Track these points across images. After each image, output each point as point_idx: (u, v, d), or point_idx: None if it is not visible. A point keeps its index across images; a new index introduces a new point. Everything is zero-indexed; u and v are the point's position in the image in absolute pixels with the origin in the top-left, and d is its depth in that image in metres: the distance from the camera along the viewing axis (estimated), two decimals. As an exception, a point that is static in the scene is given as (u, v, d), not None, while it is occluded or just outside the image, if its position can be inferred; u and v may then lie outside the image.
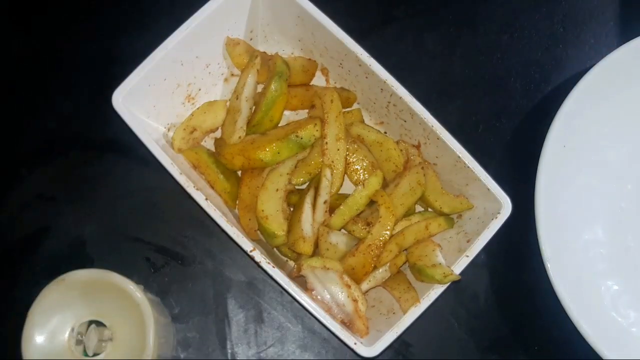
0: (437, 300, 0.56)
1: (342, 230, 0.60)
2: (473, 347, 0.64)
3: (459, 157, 0.58)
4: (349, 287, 0.55)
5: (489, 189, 0.57)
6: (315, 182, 0.60)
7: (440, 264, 0.57)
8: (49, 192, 0.65)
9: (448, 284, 0.56)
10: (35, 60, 0.68)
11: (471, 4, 0.72)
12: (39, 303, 0.53)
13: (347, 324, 0.55)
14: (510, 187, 0.58)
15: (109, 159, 0.66)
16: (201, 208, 0.55)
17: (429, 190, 0.61)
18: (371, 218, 0.59)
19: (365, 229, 0.58)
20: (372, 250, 0.57)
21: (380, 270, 0.58)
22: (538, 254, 0.60)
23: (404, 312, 0.56)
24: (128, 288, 0.54)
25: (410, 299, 0.56)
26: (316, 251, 0.59)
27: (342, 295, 0.55)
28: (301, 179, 0.60)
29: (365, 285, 0.58)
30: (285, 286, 0.54)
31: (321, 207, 0.58)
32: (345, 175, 0.62)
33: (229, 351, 0.62)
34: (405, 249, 0.60)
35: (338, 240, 0.59)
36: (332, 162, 0.60)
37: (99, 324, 0.56)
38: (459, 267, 0.56)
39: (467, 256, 0.56)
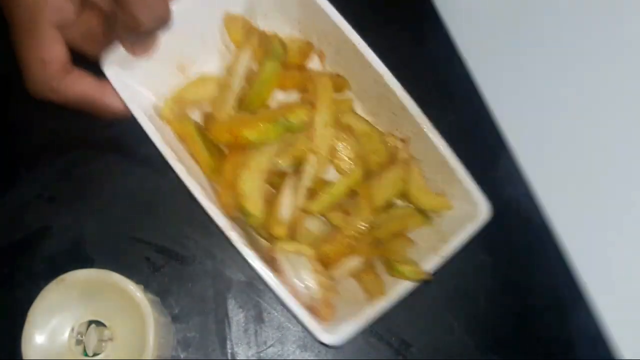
0: (435, 299, 0.56)
1: (320, 218, 0.60)
2: (473, 347, 0.64)
3: (443, 156, 0.57)
4: (320, 273, 0.55)
5: (469, 192, 0.57)
6: (299, 167, 0.59)
7: (412, 261, 0.57)
8: (49, 192, 0.65)
9: (418, 281, 0.56)
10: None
11: (471, 4, 0.72)
12: (39, 303, 0.53)
13: (313, 310, 0.55)
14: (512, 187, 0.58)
15: (109, 159, 0.66)
16: (182, 181, 0.54)
17: (411, 186, 0.60)
18: (350, 208, 0.59)
19: (343, 218, 0.58)
20: (347, 240, 0.57)
21: (353, 260, 0.58)
22: (538, 254, 0.60)
23: (371, 304, 0.56)
24: (128, 288, 0.54)
25: (378, 292, 0.56)
26: (292, 235, 0.58)
27: (311, 281, 0.55)
28: (286, 163, 0.60)
29: (336, 274, 0.58)
30: (253, 264, 0.53)
31: (301, 192, 0.58)
32: (331, 163, 0.61)
33: (229, 351, 0.62)
34: (381, 243, 0.60)
35: (315, 226, 0.58)
36: (318, 148, 0.59)
37: (99, 324, 0.56)
38: (431, 266, 0.56)
39: (441, 256, 0.56)
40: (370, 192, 0.58)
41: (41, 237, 0.63)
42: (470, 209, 0.58)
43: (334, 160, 0.62)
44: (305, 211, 0.58)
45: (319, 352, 0.63)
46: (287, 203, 0.58)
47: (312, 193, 0.59)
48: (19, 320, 0.53)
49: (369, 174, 0.61)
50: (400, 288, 0.56)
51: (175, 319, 0.62)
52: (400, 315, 0.63)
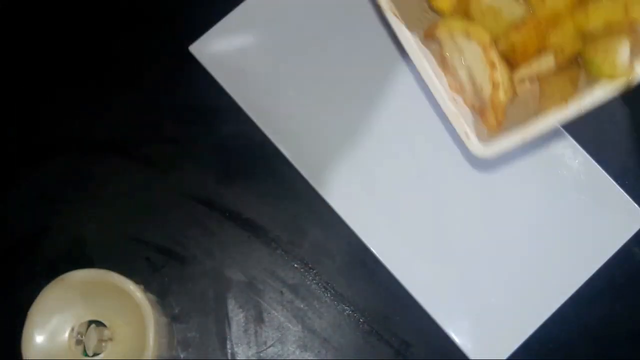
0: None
1: None
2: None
3: None
4: (494, 66, 0.43)
5: None
6: None
7: (619, 53, 0.42)
8: (49, 192, 0.65)
9: (618, 85, 0.43)
10: (35, 60, 0.68)
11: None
12: (39, 303, 0.53)
13: (479, 112, 0.44)
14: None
15: (109, 159, 0.66)
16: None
17: None
18: None
19: None
20: (541, 26, 0.43)
21: (545, 57, 0.44)
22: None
23: (542, 113, 0.43)
24: (128, 288, 0.54)
25: (557, 99, 0.43)
26: (464, 11, 0.45)
27: (481, 75, 0.43)
28: None
29: (520, 73, 0.45)
30: (405, 44, 0.42)
31: None
32: None
33: (229, 351, 0.62)
34: (585, 37, 0.44)
35: (501, 4, 0.44)
36: None
37: (99, 324, 0.56)
38: None
39: None
40: None
41: (41, 237, 0.63)
42: None
43: None
44: None
45: (318, 352, 0.63)
46: None
47: None
48: (19, 320, 0.53)
49: None
50: (589, 96, 0.42)
51: (175, 319, 0.62)
52: (400, 315, 0.63)
